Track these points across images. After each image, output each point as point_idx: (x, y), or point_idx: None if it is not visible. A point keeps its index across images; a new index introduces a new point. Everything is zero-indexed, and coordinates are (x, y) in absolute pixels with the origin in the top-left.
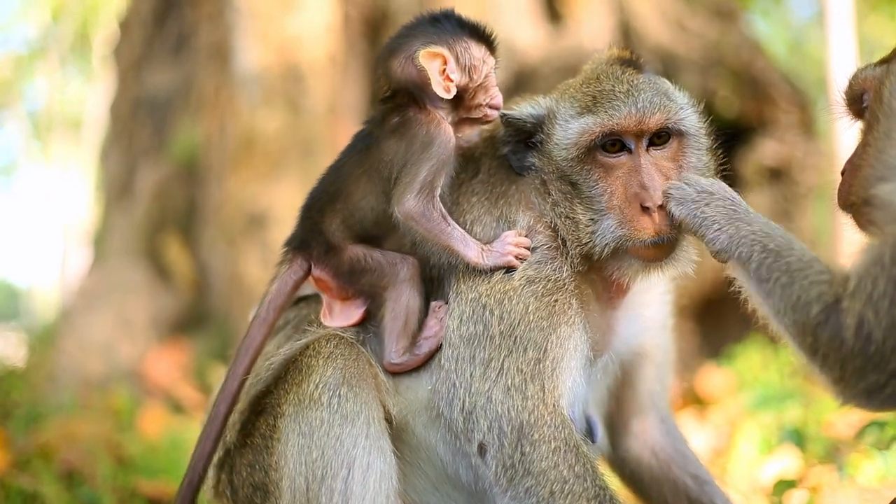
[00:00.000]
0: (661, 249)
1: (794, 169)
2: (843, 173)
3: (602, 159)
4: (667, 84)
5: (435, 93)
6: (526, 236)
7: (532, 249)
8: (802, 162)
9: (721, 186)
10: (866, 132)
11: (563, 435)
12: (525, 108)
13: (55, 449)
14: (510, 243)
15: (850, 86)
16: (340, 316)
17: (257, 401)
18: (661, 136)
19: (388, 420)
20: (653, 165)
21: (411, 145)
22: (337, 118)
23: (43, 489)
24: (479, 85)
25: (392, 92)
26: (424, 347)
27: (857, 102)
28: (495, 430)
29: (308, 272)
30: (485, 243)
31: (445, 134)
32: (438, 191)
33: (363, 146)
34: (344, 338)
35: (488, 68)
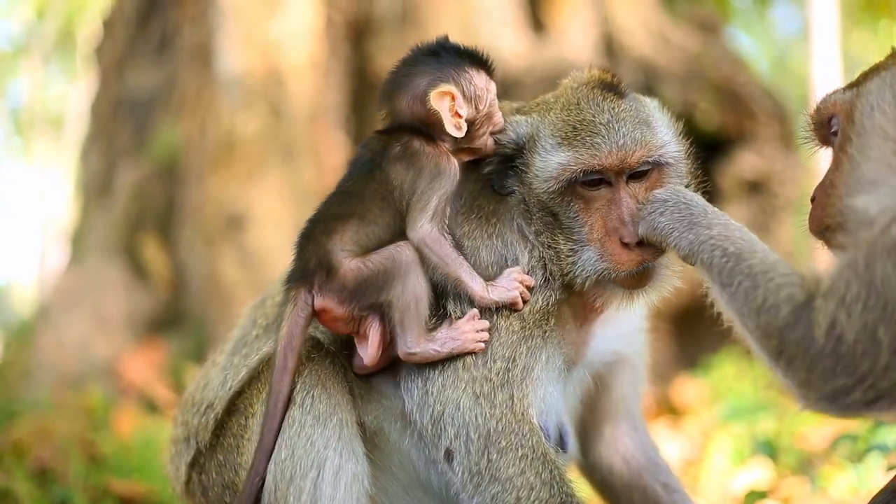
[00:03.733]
0: (643, 277)
1: (774, 182)
2: (813, 199)
3: (582, 192)
4: (647, 108)
5: (445, 131)
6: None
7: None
8: (781, 175)
9: (676, 193)
10: (838, 153)
11: (530, 443)
12: (508, 131)
13: (28, 446)
14: (515, 279)
15: (818, 110)
16: (363, 357)
17: (231, 401)
18: (641, 169)
19: (362, 425)
20: (632, 198)
21: (420, 176)
22: (317, 122)
23: (15, 486)
24: (484, 114)
25: (397, 126)
26: (449, 345)
27: (825, 127)
28: (462, 437)
29: (314, 305)
30: (486, 278)
31: (454, 167)
32: (447, 221)
33: (367, 170)
34: (320, 340)
35: (492, 96)
